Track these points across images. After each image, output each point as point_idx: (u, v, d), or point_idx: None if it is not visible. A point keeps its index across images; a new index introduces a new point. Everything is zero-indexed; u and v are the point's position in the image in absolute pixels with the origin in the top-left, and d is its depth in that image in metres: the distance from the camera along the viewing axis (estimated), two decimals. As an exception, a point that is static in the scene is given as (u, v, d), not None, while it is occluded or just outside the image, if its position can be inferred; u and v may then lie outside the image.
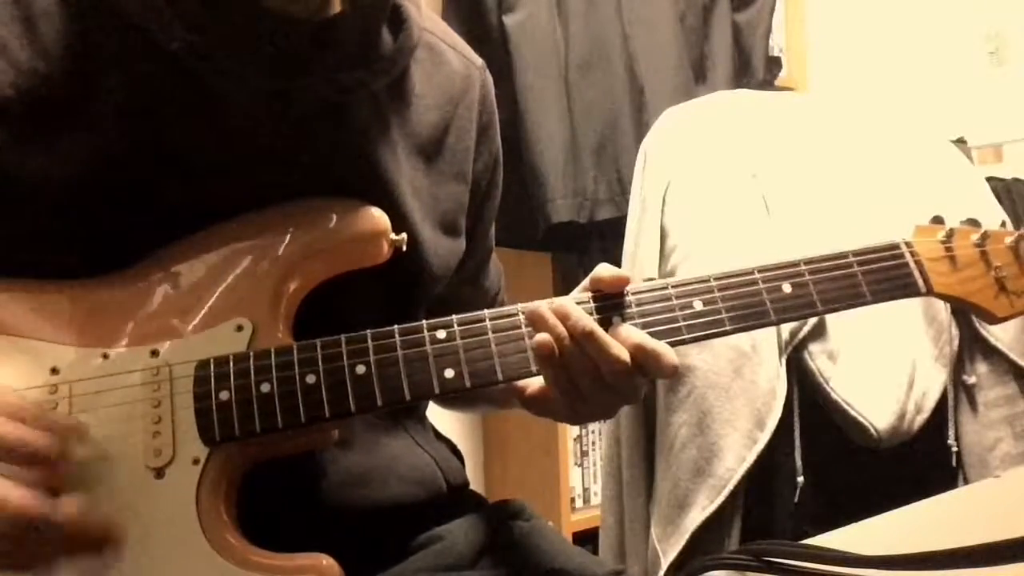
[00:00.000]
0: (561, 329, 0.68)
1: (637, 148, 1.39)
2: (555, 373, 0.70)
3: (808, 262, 0.76)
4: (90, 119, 0.68)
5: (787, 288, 0.74)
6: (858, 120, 1.48)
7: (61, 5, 0.69)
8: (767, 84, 2.42)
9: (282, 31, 0.71)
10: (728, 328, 0.73)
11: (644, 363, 0.69)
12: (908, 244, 0.79)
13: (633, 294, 0.73)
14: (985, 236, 0.80)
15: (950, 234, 0.80)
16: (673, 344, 0.71)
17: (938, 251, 0.79)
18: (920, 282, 0.78)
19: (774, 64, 2.48)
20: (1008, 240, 0.80)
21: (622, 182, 1.98)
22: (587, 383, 0.69)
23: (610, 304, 0.72)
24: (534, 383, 0.76)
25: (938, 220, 0.81)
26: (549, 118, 1.94)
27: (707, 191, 1.25)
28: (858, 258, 0.77)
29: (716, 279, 0.74)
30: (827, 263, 0.76)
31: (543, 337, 0.68)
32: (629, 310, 0.72)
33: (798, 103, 1.52)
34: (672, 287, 0.73)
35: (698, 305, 0.73)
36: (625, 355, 0.68)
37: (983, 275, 0.79)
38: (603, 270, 0.73)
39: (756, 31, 2.36)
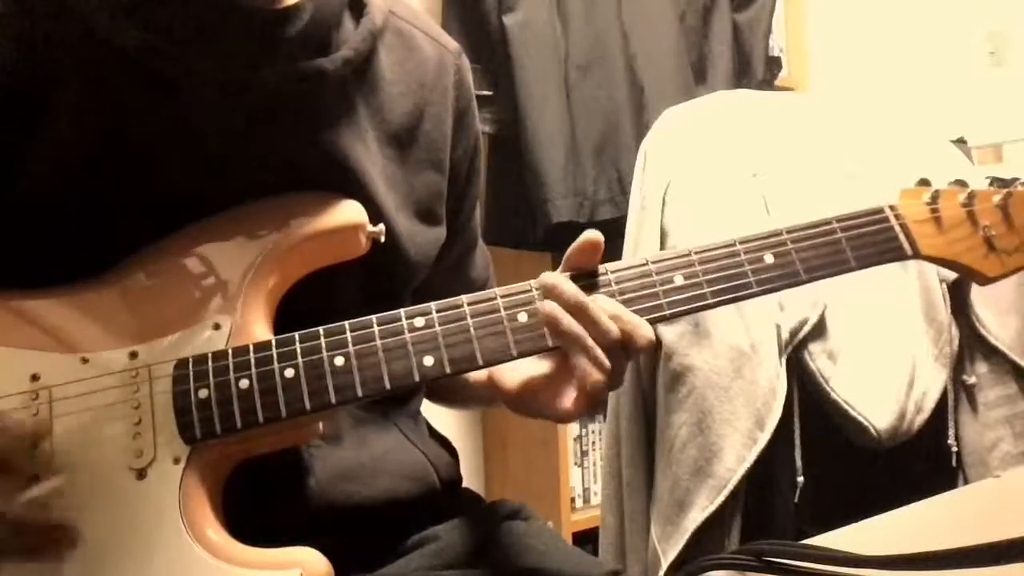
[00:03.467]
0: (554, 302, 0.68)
1: (637, 148, 1.39)
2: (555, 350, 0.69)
3: (790, 231, 0.74)
4: (47, 120, 0.68)
5: (769, 258, 0.73)
6: (858, 120, 1.48)
7: (14, 6, 0.68)
8: (767, 84, 2.42)
9: (237, 21, 0.70)
10: (710, 301, 0.72)
11: (623, 335, 0.68)
12: (892, 207, 0.77)
13: (612, 272, 0.72)
14: (972, 196, 0.78)
15: (936, 195, 0.78)
16: (655, 320, 0.70)
17: (924, 213, 0.77)
18: (906, 245, 0.76)
19: (774, 64, 2.48)
20: (996, 198, 0.78)
21: (622, 182, 1.98)
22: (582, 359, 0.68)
23: (589, 283, 0.71)
24: (515, 381, 0.75)
25: (924, 182, 0.80)
26: (549, 118, 1.94)
27: (707, 191, 1.25)
28: (841, 224, 0.75)
29: (696, 252, 0.73)
30: (809, 231, 0.75)
31: (547, 305, 0.68)
32: (608, 288, 0.71)
33: (798, 103, 1.52)
34: (652, 263, 0.72)
35: (679, 280, 0.72)
36: (614, 327, 0.67)
37: (971, 235, 0.77)
38: (574, 245, 0.71)
39: (756, 31, 2.36)
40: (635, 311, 0.70)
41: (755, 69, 2.36)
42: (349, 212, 0.73)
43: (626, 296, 0.71)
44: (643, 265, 0.72)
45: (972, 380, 1.27)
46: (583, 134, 1.99)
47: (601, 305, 0.68)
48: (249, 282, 0.69)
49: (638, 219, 1.32)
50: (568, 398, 0.70)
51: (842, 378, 1.19)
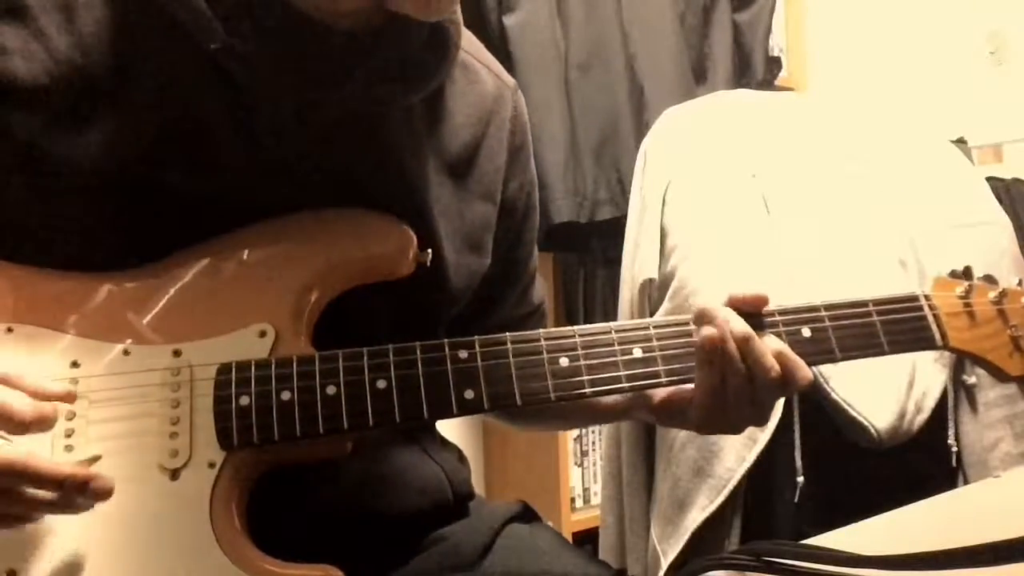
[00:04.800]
0: (726, 329, 0.71)
1: (637, 148, 1.39)
2: (711, 373, 0.71)
3: (828, 307, 0.77)
4: (122, 111, 0.68)
5: (807, 332, 0.75)
6: (858, 120, 1.48)
7: None
8: (767, 84, 2.42)
9: (321, 39, 0.70)
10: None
11: (784, 373, 0.71)
12: (927, 296, 0.80)
13: (654, 327, 0.74)
14: (1003, 294, 0.81)
15: (968, 290, 0.81)
16: (686, 380, 0.73)
17: (956, 306, 0.80)
18: (937, 336, 0.79)
19: (774, 64, 2.48)
20: None
21: (622, 182, 1.98)
22: (736, 390, 0.71)
23: (632, 336, 0.73)
24: (661, 391, 0.78)
25: (955, 275, 0.83)
26: (549, 118, 1.94)
27: (707, 191, 1.25)
28: (877, 307, 0.78)
29: None
30: (846, 310, 0.77)
31: (710, 331, 0.70)
32: (648, 343, 0.73)
33: (798, 103, 1.52)
34: (693, 323, 0.74)
35: None
36: (777, 366, 0.71)
37: (999, 333, 0.80)
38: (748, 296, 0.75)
39: (756, 31, 2.36)
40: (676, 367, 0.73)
41: (755, 69, 2.36)
42: (399, 234, 0.73)
43: (666, 352, 0.73)
44: (685, 325, 0.74)
45: (972, 380, 1.27)
46: (583, 134, 1.99)
47: (769, 342, 0.72)
48: (295, 292, 0.70)
49: (638, 219, 1.32)
50: (713, 417, 0.74)
51: (842, 378, 1.19)
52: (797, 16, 2.76)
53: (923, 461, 1.25)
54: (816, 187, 1.30)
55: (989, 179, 1.73)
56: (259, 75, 0.70)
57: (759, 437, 1.16)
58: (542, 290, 1.00)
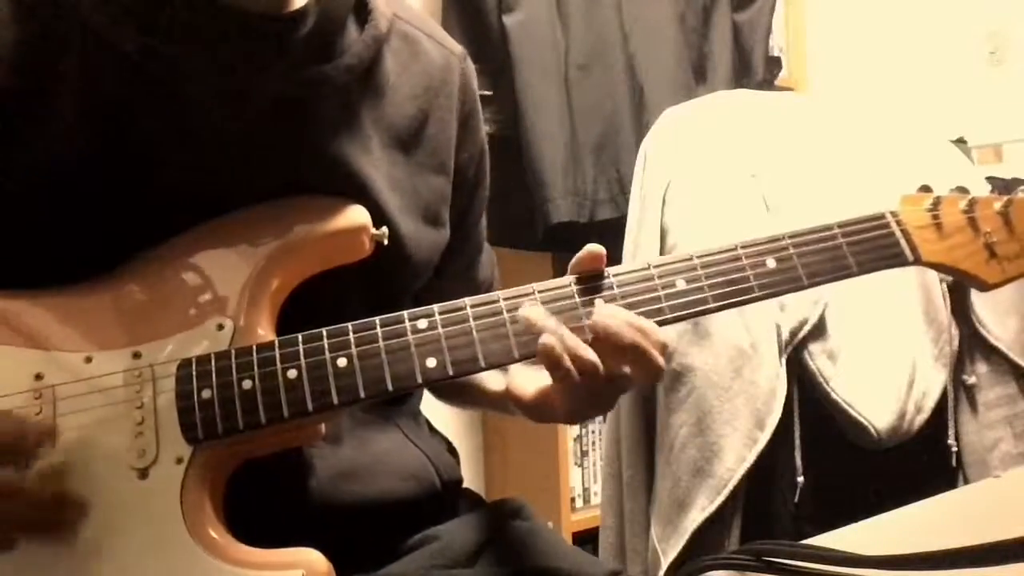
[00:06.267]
0: (553, 332, 0.67)
1: (637, 148, 1.39)
2: (561, 370, 0.68)
3: (792, 236, 0.74)
4: (49, 122, 0.68)
5: (771, 263, 0.73)
6: (858, 120, 1.48)
7: (15, 10, 0.69)
8: (767, 84, 2.42)
9: (240, 28, 0.70)
10: (712, 306, 0.72)
11: (635, 339, 0.67)
12: (894, 213, 0.77)
13: (614, 275, 0.72)
14: (973, 202, 0.78)
15: (936, 202, 0.78)
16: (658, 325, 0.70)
17: (925, 219, 0.77)
18: (907, 251, 0.76)
19: (774, 64, 2.48)
20: (997, 205, 0.78)
21: (622, 182, 1.98)
22: (588, 375, 0.67)
23: (592, 287, 0.71)
24: (529, 391, 0.75)
25: (926, 189, 0.80)
26: (549, 118, 1.94)
27: (707, 191, 1.25)
28: (843, 229, 0.75)
29: (699, 256, 0.73)
30: (811, 236, 0.75)
31: (548, 339, 0.67)
32: (611, 291, 0.71)
33: (798, 103, 1.52)
34: (654, 267, 0.72)
35: (681, 284, 0.72)
36: (593, 356, 0.67)
37: (972, 241, 0.77)
38: (580, 254, 0.72)
39: (756, 31, 2.36)
40: (636, 315, 0.69)
41: (755, 69, 2.36)
42: (353, 215, 0.73)
43: (628, 300, 0.71)
44: (645, 269, 0.72)
45: (972, 380, 1.27)
46: (583, 134, 1.99)
47: (610, 312, 0.68)
48: (252, 284, 0.70)
49: (638, 219, 1.32)
50: (579, 405, 0.71)
51: (842, 378, 1.19)
52: (797, 16, 2.76)
53: (923, 461, 1.25)
54: (816, 187, 1.30)
55: (989, 179, 1.73)
56: (181, 70, 0.69)
57: (759, 437, 1.16)
58: (492, 270, 0.98)
